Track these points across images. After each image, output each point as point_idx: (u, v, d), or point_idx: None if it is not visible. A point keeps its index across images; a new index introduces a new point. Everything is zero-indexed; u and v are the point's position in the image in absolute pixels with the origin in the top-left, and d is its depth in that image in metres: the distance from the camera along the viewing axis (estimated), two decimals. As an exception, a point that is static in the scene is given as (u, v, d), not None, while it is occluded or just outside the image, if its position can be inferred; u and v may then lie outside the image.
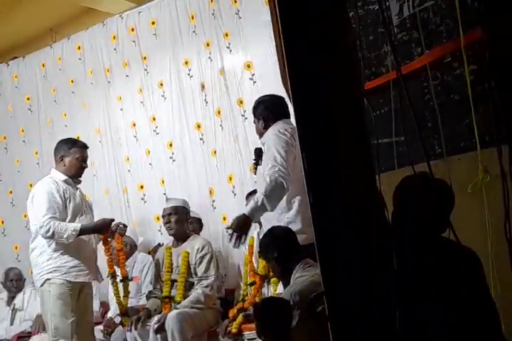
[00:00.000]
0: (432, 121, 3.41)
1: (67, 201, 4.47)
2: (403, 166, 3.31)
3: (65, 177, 4.54)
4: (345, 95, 2.05)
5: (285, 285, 3.71)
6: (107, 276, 4.91)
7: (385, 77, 3.62)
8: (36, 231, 4.39)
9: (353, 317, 1.76)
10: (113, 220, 4.62)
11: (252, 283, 4.70)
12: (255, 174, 4.56)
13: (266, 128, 4.27)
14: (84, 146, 4.66)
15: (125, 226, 4.75)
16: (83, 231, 4.39)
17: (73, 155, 4.57)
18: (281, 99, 4.41)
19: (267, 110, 4.29)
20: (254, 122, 4.40)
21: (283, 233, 3.77)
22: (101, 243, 4.73)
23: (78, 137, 6.00)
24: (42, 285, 4.37)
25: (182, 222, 5.12)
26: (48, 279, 4.34)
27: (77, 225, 4.38)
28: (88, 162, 4.72)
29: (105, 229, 4.57)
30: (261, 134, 4.37)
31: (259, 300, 3.88)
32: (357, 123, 2.06)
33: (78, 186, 4.66)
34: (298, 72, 2.01)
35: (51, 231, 4.28)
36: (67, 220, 4.40)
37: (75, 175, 4.60)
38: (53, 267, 4.36)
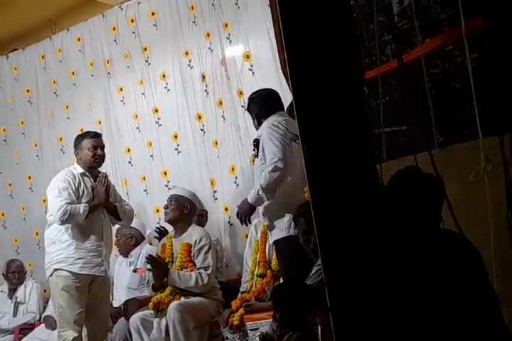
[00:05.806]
0: (433, 109, 3.39)
1: (81, 194, 4.51)
2: (404, 156, 3.29)
3: (82, 170, 4.57)
4: (346, 84, 2.04)
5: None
6: None
7: (385, 66, 3.60)
8: (53, 219, 4.44)
9: (354, 308, 1.75)
10: (108, 189, 4.59)
11: (261, 275, 4.61)
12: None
13: (259, 124, 4.32)
14: (95, 135, 4.67)
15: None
16: (91, 206, 4.46)
17: (85, 147, 4.58)
18: (273, 92, 4.45)
19: (258, 106, 4.35)
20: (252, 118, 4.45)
21: None
22: None
23: (81, 129, 5.98)
24: (51, 275, 4.44)
25: (179, 210, 5.02)
26: (56, 269, 4.40)
27: (85, 204, 4.45)
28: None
29: (105, 197, 4.56)
30: (257, 129, 4.42)
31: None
32: (357, 112, 2.05)
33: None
34: (297, 62, 1.99)
35: (68, 213, 4.33)
36: None
37: (91, 166, 4.60)
38: (61, 257, 4.41)
